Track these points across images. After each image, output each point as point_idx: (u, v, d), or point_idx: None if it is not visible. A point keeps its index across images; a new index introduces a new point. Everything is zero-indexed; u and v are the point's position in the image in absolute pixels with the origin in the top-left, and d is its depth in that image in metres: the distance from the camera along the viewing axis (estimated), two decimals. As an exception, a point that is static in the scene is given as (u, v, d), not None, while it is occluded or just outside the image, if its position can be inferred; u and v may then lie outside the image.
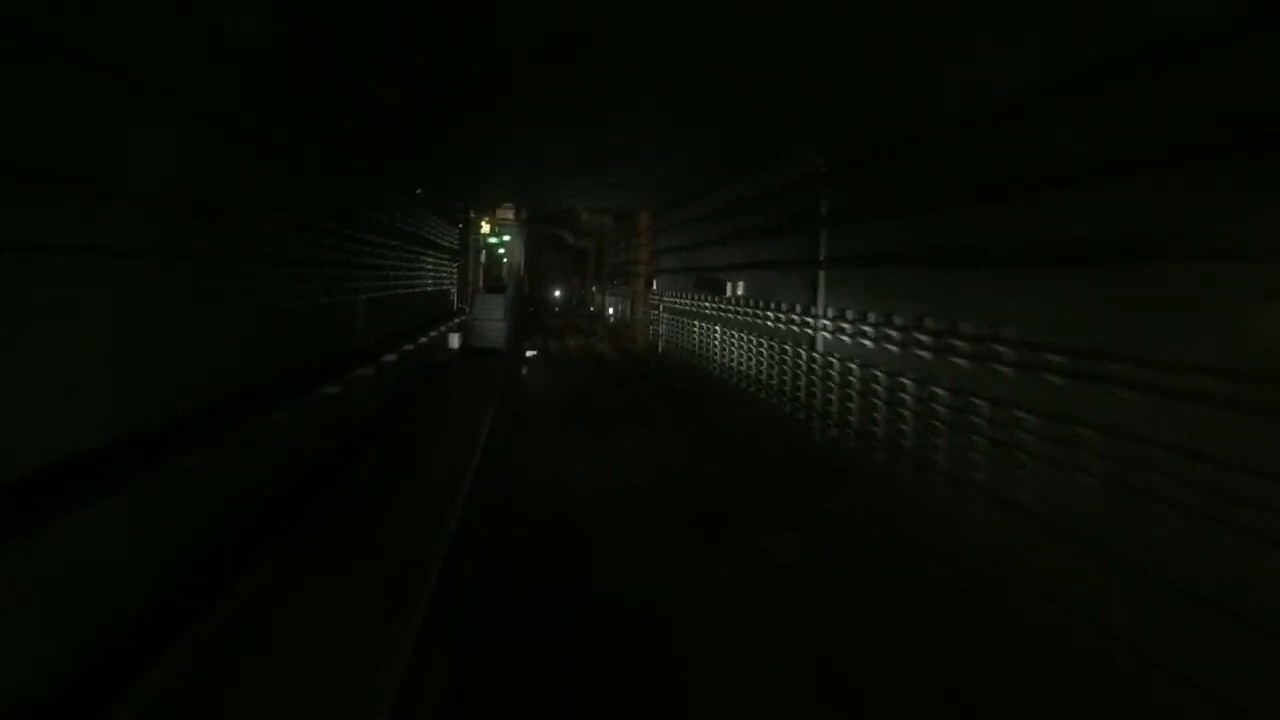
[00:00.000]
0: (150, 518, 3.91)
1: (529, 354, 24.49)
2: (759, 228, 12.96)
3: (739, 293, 14.45)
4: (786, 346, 11.27)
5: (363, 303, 10.03)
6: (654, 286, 23.42)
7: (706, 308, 16.41)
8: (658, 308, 22.52)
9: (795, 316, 10.97)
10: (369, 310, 10.45)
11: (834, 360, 9.44)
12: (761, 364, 12.52)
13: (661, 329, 21.86)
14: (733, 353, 14.42)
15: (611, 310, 41.15)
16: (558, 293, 67.70)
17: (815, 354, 10.11)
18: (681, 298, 18.92)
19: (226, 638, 3.95)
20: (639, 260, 29.64)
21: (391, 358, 10.79)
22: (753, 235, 13.36)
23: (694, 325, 17.57)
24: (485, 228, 27.25)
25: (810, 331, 10.34)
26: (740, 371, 13.83)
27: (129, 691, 3.40)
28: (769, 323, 12.23)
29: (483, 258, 28.42)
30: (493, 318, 23.79)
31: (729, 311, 14.74)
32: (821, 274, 9.98)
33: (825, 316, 9.83)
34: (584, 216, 42.66)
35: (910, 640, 5.30)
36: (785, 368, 11.29)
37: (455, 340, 19.91)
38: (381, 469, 8.14)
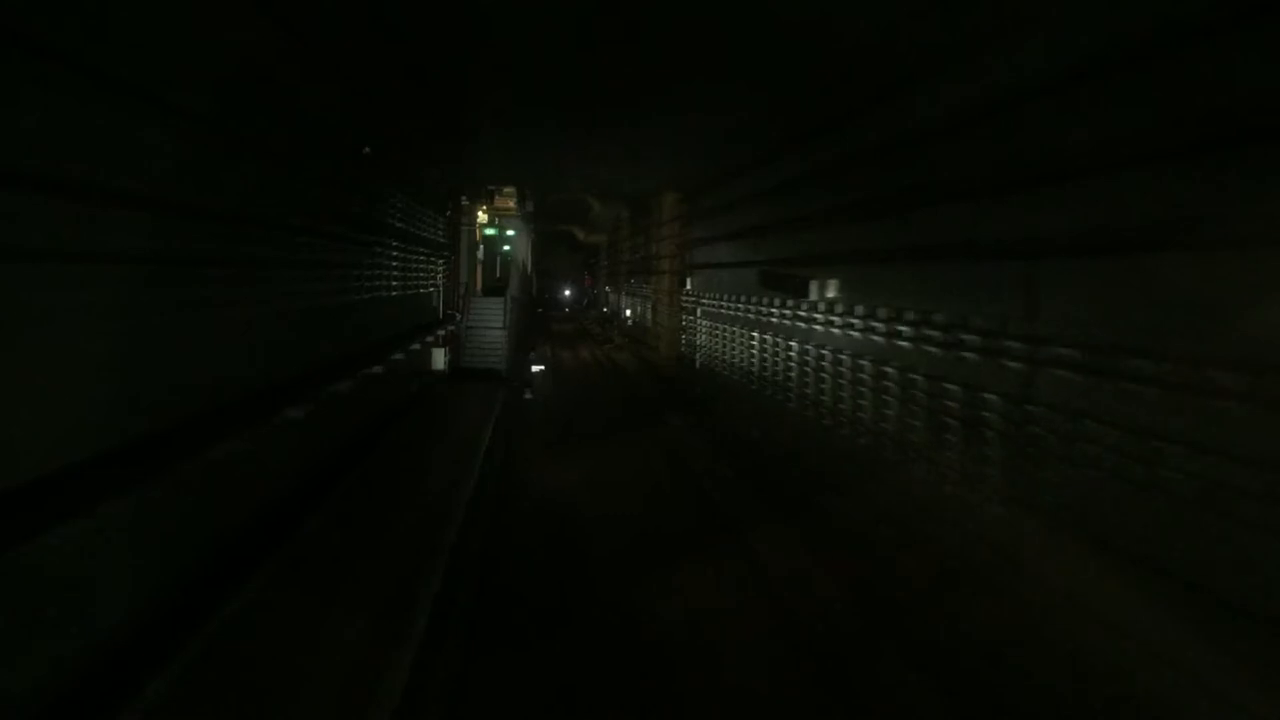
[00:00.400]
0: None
1: (535, 369, 20.14)
2: (872, 200, 8.55)
3: (829, 294, 10.05)
4: (950, 386, 6.84)
5: (269, 317, 5.88)
6: (688, 285, 19.01)
7: (774, 315, 12.00)
8: (693, 312, 18.11)
9: (968, 337, 6.56)
10: (278, 331, 6.27)
11: (1112, 430, 4.98)
12: (887, 408, 8.10)
13: (699, 338, 17.45)
14: (821, 383, 10.00)
15: (629, 312, 36.69)
16: (567, 292, 63.62)
17: (1031, 407, 5.68)
18: (732, 300, 14.49)
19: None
20: (664, 255, 25.17)
21: (297, 415, 6.47)
22: (857, 211, 8.96)
23: (752, 337, 13.15)
24: (482, 217, 22.83)
25: (1015, 365, 5.91)
26: (838, 411, 9.42)
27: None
28: (899, 342, 7.82)
29: (480, 253, 24.00)
30: (490, 326, 19.46)
31: (814, 322, 10.32)
32: (1049, 265, 5.54)
33: (1065, 343, 5.38)
34: (596, 208, 38.60)
35: None
36: (949, 419, 6.86)
37: (440, 359, 15.58)
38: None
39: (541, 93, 10.17)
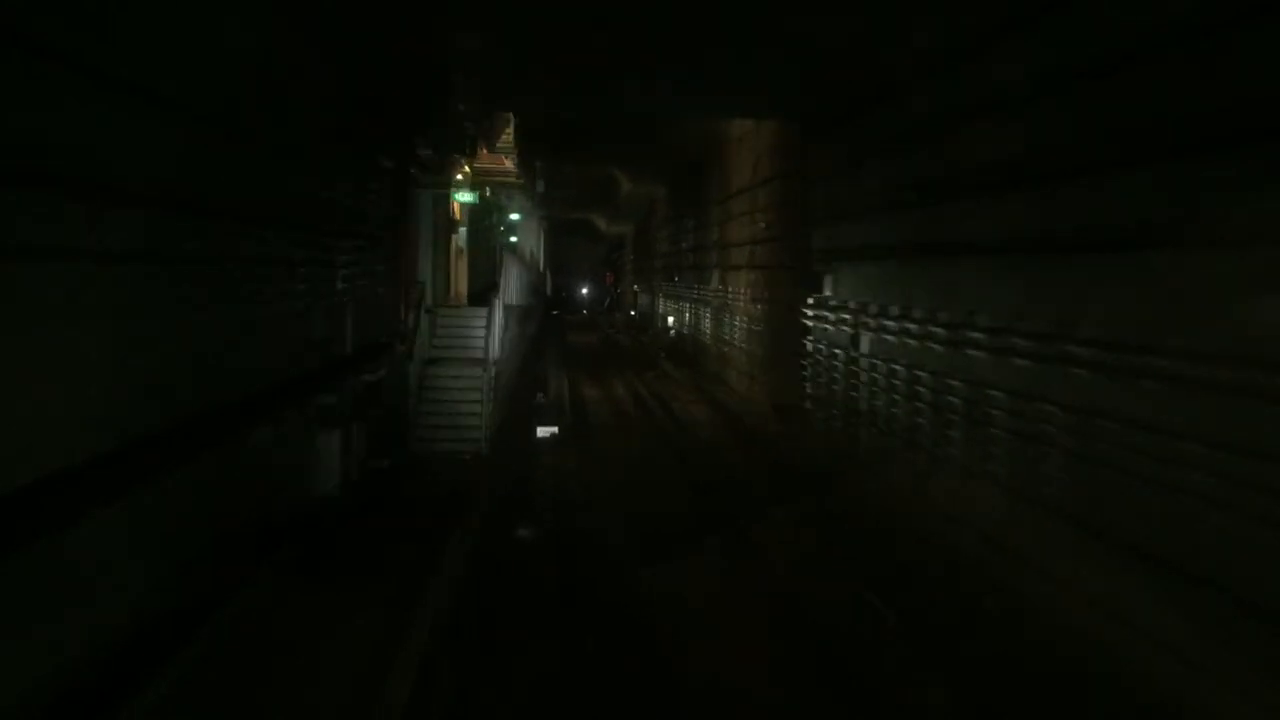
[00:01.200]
0: None
1: (542, 430, 11.60)
2: None
3: None
4: None
5: None
6: (826, 290, 10.33)
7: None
8: (846, 341, 9.47)
9: None
10: None
11: None
12: None
13: (863, 395, 8.82)
14: None
15: (671, 320, 27.96)
16: (585, 291, 55.35)
17: None
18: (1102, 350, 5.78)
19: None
20: (741, 240, 16.53)
21: None
22: None
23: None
24: (460, 177, 14.14)
25: None
26: None
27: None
28: None
29: (459, 237, 15.43)
30: (465, 356, 10.96)
31: None
32: None
33: None
34: (625, 186, 30.16)
35: None
36: None
37: (334, 448, 7.07)
38: None
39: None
